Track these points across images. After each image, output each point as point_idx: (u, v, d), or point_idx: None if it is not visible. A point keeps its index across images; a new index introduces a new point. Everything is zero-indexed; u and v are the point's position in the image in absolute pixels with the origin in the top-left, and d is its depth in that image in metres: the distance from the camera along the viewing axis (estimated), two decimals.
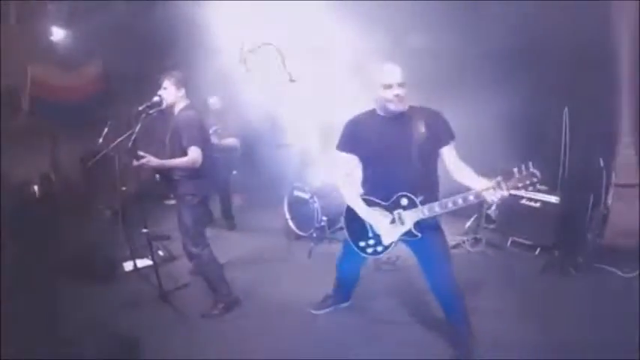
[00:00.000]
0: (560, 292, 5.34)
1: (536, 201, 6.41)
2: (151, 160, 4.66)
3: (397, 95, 3.80)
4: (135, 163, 4.63)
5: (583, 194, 6.24)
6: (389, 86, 3.80)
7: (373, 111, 4.06)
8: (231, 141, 7.46)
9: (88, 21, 8.19)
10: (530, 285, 5.57)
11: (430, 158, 3.96)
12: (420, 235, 3.92)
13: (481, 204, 6.37)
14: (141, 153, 4.61)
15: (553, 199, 6.28)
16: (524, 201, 6.48)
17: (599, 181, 6.07)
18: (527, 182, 3.60)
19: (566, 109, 6.17)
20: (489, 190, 3.65)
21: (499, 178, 3.64)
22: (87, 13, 8.23)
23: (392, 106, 3.84)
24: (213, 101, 7.69)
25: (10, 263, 5.71)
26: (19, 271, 5.65)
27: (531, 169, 3.58)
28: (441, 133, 3.94)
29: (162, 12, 7.73)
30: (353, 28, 7.07)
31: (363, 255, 4.19)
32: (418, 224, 3.91)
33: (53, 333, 4.77)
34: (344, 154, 4.14)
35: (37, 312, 5.06)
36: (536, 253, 6.32)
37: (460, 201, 3.75)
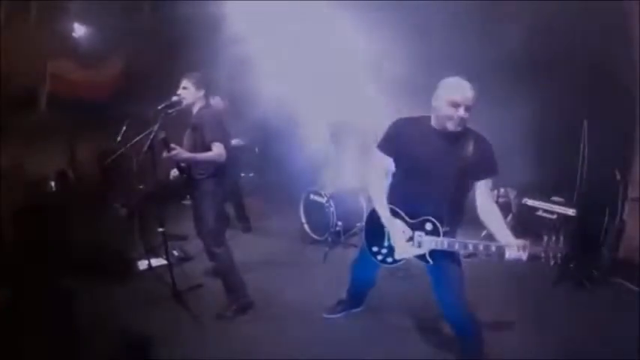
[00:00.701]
0: (574, 305, 5.32)
1: (552, 213, 6.39)
2: (181, 152, 4.68)
3: (462, 117, 3.64)
4: (165, 154, 4.65)
5: (599, 207, 6.20)
6: (456, 104, 3.63)
7: (428, 120, 3.89)
8: (235, 142, 7.50)
9: (108, 18, 8.25)
10: (544, 297, 5.55)
11: (466, 188, 3.86)
12: (431, 262, 3.86)
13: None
14: (173, 145, 4.63)
15: (570, 211, 6.25)
16: (540, 212, 6.46)
17: (615, 194, 6.04)
18: (551, 254, 3.57)
19: (585, 121, 6.14)
20: (511, 249, 3.56)
21: (527, 242, 3.55)
22: (107, 10, 8.29)
23: (451, 126, 3.68)
24: (215, 102, 7.71)
25: (23, 260, 5.74)
26: (32, 268, 5.68)
27: (560, 245, 3.54)
28: (484, 166, 3.81)
29: (183, 10, 7.77)
30: (367, 29, 7.07)
31: (373, 259, 4.15)
32: (434, 251, 3.84)
33: (65, 330, 4.79)
34: (381, 155, 4.05)
35: (50, 309, 5.07)
36: (551, 264, 6.29)
37: (481, 248, 3.70)
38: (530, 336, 4.68)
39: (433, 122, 3.85)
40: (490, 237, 3.84)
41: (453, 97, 3.64)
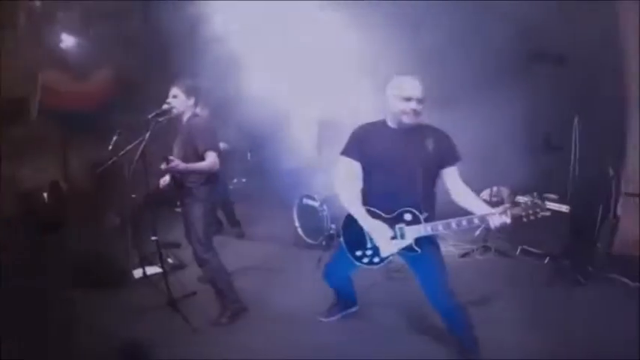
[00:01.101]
0: (569, 301, 5.32)
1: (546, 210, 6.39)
2: (179, 164, 4.68)
3: (415, 110, 3.84)
4: (163, 166, 4.65)
5: (593, 203, 6.21)
6: (408, 99, 3.84)
7: (383, 122, 4.09)
8: (222, 145, 7.49)
9: (98, 28, 8.24)
10: (539, 293, 5.57)
11: (434, 176, 4.02)
12: (419, 250, 3.93)
13: None
14: (170, 157, 4.64)
15: (563, 208, 6.26)
16: None
17: (608, 190, 6.05)
18: (531, 212, 3.66)
19: (576, 117, 6.15)
20: (494, 216, 3.72)
21: (506, 206, 3.74)
22: (97, 20, 8.28)
23: (406, 119, 3.89)
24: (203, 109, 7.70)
25: (17, 269, 5.73)
26: (27, 277, 5.67)
27: (537, 200, 3.64)
28: (446, 154, 4.00)
29: (172, 18, 7.76)
30: (357, 27, 7.06)
31: (358, 264, 4.17)
32: (418, 240, 3.92)
33: (61, 339, 4.78)
34: (348, 160, 4.14)
35: (45, 318, 5.06)
36: (546, 261, 6.30)
37: (464, 222, 3.80)
38: (525, 333, 4.69)
39: (389, 122, 4.07)
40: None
41: (404, 93, 3.89)
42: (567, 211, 6.23)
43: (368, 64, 7.07)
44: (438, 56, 6.66)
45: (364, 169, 4.13)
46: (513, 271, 6.22)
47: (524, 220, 3.73)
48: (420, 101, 3.85)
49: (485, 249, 6.75)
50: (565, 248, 6.14)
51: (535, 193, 3.67)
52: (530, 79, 6.57)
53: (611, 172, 6.01)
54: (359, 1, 7.16)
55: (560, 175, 6.49)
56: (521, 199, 3.73)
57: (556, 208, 6.32)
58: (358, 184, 4.15)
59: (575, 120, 6.16)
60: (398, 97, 3.89)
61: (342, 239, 4.28)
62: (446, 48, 6.78)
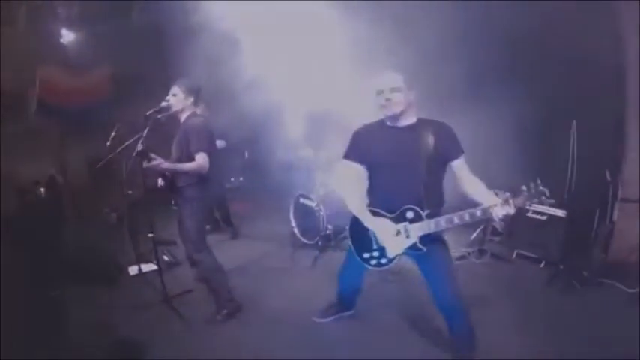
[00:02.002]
0: (565, 306, 5.31)
1: (542, 214, 6.39)
2: (162, 163, 4.67)
3: (388, 100, 3.84)
4: (145, 164, 4.64)
5: (589, 208, 6.21)
6: (380, 92, 3.86)
7: (382, 121, 4.05)
8: (219, 143, 7.46)
9: (97, 24, 8.24)
10: (535, 298, 5.55)
11: (438, 172, 3.98)
12: (424, 248, 3.92)
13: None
14: (152, 155, 4.63)
15: (559, 212, 6.26)
16: (530, 214, 6.46)
17: (605, 195, 6.05)
18: (536, 200, 3.61)
19: (574, 122, 6.15)
20: (496, 207, 3.65)
21: (507, 195, 3.66)
22: (96, 15, 8.27)
23: (386, 111, 3.90)
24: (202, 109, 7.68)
25: (13, 265, 5.71)
26: (22, 274, 5.66)
27: (540, 187, 3.60)
28: (450, 147, 3.95)
29: (170, 15, 7.75)
30: (356, 23, 7.03)
31: (367, 266, 4.16)
32: (423, 237, 3.90)
33: (57, 336, 4.77)
34: (350, 163, 4.13)
35: (41, 314, 5.06)
36: (542, 266, 6.30)
37: (467, 217, 3.75)
38: (520, 337, 4.68)
39: (387, 121, 4.02)
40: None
41: (376, 87, 3.91)
42: (564, 215, 6.23)
43: (365, 58, 7.03)
44: (436, 55, 6.64)
45: (368, 170, 4.13)
46: (509, 274, 6.22)
47: (528, 207, 3.69)
48: (393, 90, 3.83)
49: (482, 252, 6.74)
50: (561, 253, 6.14)
51: (538, 181, 3.62)
52: (529, 81, 6.55)
53: (608, 177, 6.00)
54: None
55: (556, 179, 6.50)
56: (523, 188, 3.69)
57: (552, 213, 6.33)
58: (362, 187, 4.17)
59: (574, 124, 6.16)
60: (374, 93, 3.91)
61: (350, 242, 4.28)
62: (444, 47, 6.76)
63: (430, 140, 3.86)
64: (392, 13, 7.11)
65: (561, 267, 5.95)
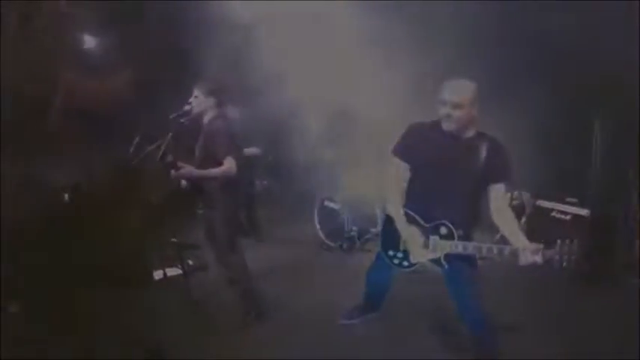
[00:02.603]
0: (589, 306, 5.28)
1: (566, 214, 6.36)
2: (191, 171, 4.70)
3: (448, 114, 3.74)
4: (173, 173, 4.68)
5: (613, 207, 6.17)
6: (444, 102, 3.75)
7: (438, 123, 3.92)
8: (252, 150, 7.44)
9: (120, 29, 8.29)
10: (559, 298, 5.53)
11: (480, 191, 3.90)
12: (446, 266, 3.89)
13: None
14: (180, 164, 4.66)
15: (583, 212, 6.22)
16: (554, 213, 6.43)
17: (629, 194, 6.01)
18: (565, 257, 3.56)
19: (597, 122, 6.12)
20: (525, 252, 3.58)
21: (540, 246, 3.56)
22: (119, 21, 8.33)
23: (445, 125, 3.80)
24: (230, 111, 7.67)
25: (37, 270, 5.76)
26: (46, 278, 5.71)
27: (574, 247, 3.53)
28: (496, 169, 3.84)
29: (194, 18, 7.77)
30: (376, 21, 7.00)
31: (389, 263, 4.20)
32: (448, 255, 3.87)
33: (80, 340, 4.81)
34: (397, 160, 4.11)
35: (65, 319, 5.10)
36: (564, 265, 6.26)
37: (495, 251, 3.72)
38: (543, 337, 4.68)
39: (444, 126, 3.86)
40: (504, 240, 3.85)
41: (441, 97, 3.78)
42: (587, 215, 6.20)
43: (387, 57, 7.00)
44: (458, 54, 6.62)
45: (411, 170, 4.09)
46: (533, 274, 6.18)
47: (557, 264, 3.63)
48: (456, 106, 3.71)
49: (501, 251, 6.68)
50: (584, 252, 6.11)
51: (576, 240, 3.55)
52: (551, 81, 6.52)
53: (631, 175, 5.97)
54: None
55: (580, 177, 6.47)
56: (544, 203, 3.67)
57: (576, 212, 6.29)
58: (402, 185, 4.14)
59: (597, 124, 6.14)
60: (439, 99, 3.79)
61: (380, 237, 4.31)
62: (467, 47, 6.74)
63: (482, 157, 3.78)
64: (411, 12, 7.07)
65: (585, 267, 5.91)
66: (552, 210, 6.50)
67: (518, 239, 3.68)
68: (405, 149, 4.10)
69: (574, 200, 6.39)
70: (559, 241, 3.55)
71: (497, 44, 6.74)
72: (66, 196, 7.71)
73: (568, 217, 6.33)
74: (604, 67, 6.04)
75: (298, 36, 7.35)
